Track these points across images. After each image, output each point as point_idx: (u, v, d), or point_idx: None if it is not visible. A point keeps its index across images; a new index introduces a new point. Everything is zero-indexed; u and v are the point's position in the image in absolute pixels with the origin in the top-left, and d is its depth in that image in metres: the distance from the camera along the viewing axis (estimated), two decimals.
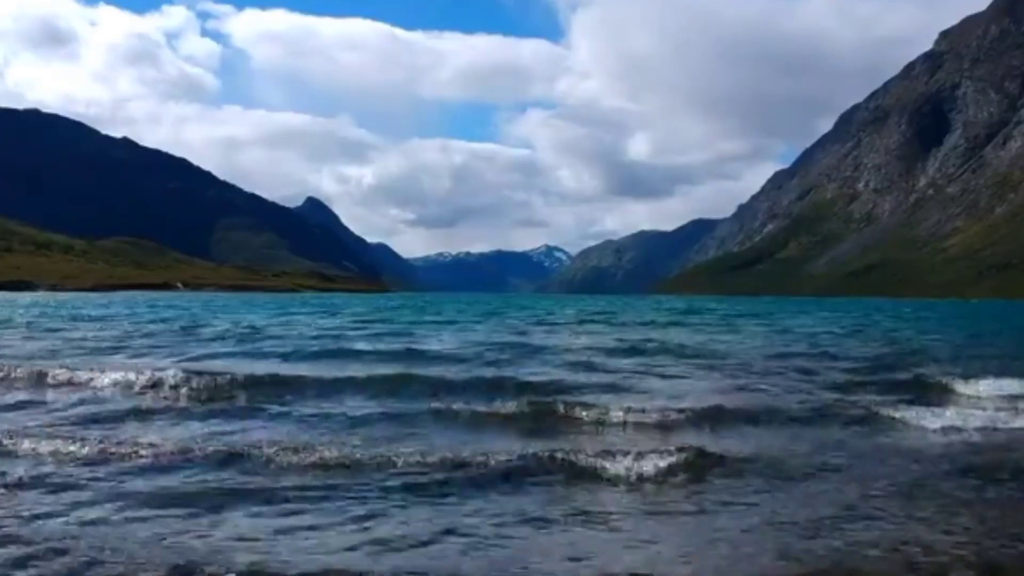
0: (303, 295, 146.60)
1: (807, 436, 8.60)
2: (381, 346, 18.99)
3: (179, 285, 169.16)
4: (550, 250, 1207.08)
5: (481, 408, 9.72)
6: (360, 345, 19.38)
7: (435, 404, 9.95)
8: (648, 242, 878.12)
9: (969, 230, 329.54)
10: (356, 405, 10.16)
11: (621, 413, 9.24)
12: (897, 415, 9.55)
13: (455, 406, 9.75)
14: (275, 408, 9.82)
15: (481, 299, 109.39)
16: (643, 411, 9.33)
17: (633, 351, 18.58)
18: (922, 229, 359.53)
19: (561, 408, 9.61)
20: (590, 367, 14.96)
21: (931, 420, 9.19)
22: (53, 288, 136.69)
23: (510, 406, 9.78)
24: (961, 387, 11.96)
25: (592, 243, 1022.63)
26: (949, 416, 9.39)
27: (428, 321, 34.71)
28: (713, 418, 9.23)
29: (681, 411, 9.43)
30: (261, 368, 13.66)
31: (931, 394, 11.66)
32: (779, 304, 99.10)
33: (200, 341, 20.48)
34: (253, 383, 11.51)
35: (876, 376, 13.84)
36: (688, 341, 22.49)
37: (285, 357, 16.24)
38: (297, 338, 21.86)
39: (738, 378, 13.60)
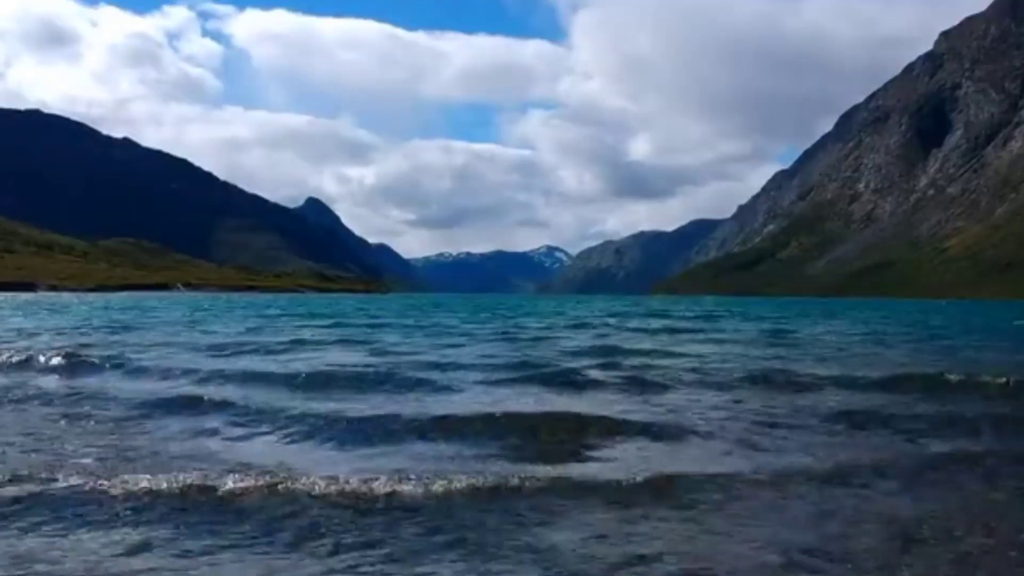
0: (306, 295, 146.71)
1: None
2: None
3: (179, 286, 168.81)
4: (551, 250, 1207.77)
5: None
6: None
7: None
8: (648, 242, 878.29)
9: (970, 231, 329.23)
10: None
11: None
12: None
13: None
14: None
15: (475, 300, 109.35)
16: None
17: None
18: (923, 229, 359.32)
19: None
20: None
21: None
22: (53, 289, 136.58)
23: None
24: None
25: (593, 243, 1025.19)
26: None
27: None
28: None
29: None
30: None
31: None
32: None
33: None
34: None
35: None
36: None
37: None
38: None
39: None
